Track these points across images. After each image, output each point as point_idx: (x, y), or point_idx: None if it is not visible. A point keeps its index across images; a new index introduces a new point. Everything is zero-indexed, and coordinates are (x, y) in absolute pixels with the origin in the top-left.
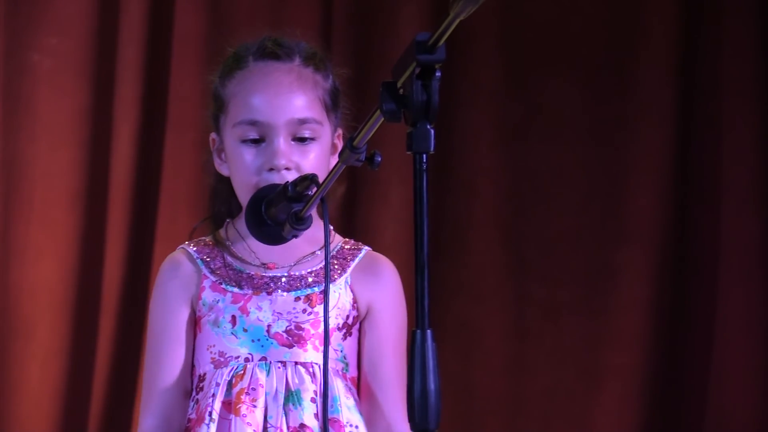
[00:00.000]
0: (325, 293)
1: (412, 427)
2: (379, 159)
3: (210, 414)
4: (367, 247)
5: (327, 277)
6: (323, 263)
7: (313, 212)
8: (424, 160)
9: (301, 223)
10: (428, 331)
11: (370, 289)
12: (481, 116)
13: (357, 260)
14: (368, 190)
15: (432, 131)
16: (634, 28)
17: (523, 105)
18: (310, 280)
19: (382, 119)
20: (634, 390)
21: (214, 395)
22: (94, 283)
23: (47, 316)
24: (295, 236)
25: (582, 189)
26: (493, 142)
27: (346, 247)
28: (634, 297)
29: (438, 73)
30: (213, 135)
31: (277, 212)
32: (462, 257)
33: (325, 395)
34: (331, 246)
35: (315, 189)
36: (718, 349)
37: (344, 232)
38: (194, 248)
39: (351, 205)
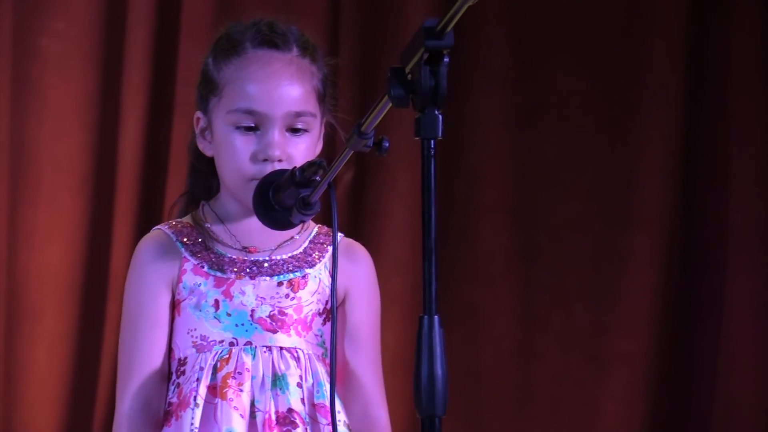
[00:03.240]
0: (333, 280)
1: (419, 413)
2: (387, 144)
3: (195, 398)
4: (340, 233)
5: (335, 262)
6: (303, 247)
7: None
8: (432, 146)
9: (308, 208)
10: (435, 317)
11: (347, 274)
12: (490, 102)
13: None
14: (376, 175)
15: (440, 117)
16: (644, 13)
17: (532, 90)
18: (291, 264)
19: (390, 105)
20: (642, 376)
21: (198, 379)
22: (102, 268)
23: (55, 300)
24: (303, 221)
25: (590, 175)
26: (502, 128)
27: (321, 233)
28: (642, 283)
29: (446, 59)
30: (198, 114)
31: (284, 198)
32: (470, 243)
33: (333, 381)
34: (307, 232)
35: (322, 174)
36: (725, 335)
37: (352, 218)
38: (171, 230)
39: (359, 190)
